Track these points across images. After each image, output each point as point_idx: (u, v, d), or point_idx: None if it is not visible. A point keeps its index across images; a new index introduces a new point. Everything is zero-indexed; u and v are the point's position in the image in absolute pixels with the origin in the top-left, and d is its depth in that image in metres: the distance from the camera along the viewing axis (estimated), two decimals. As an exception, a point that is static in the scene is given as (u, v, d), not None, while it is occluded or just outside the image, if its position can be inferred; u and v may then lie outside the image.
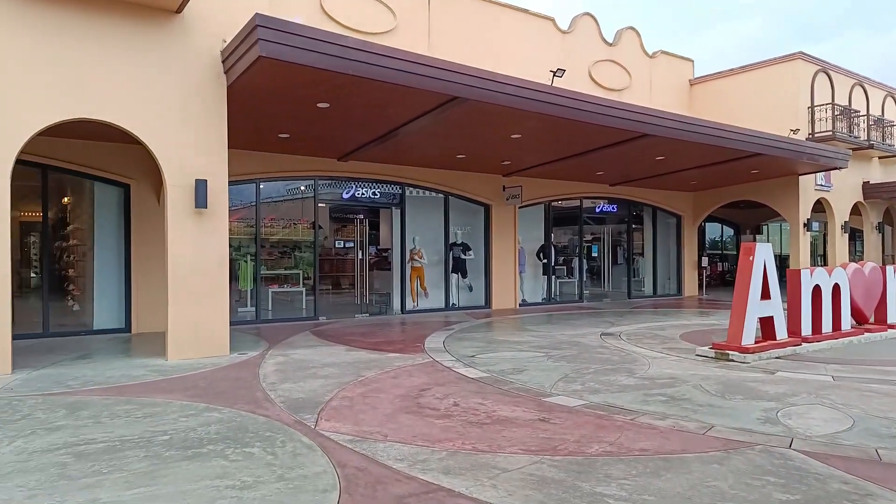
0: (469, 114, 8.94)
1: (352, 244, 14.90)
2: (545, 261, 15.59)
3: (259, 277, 11.56)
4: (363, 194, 12.84)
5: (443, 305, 13.81)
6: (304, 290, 12.61)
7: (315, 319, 11.76)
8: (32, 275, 13.72)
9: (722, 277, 22.64)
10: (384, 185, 13.03)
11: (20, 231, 11.04)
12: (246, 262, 11.68)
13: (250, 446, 4.19)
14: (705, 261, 18.77)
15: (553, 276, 15.86)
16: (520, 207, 14.61)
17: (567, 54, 14.67)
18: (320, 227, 12.78)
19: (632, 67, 16.20)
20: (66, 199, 11.82)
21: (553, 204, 15.76)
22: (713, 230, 24.34)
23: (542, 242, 15.63)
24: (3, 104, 6.55)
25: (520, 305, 14.74)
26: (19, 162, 6.72)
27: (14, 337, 6.83)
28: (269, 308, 12.08)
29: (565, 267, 16.86)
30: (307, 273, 12.57)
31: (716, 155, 12.51)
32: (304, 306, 12.40)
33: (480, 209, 14.41)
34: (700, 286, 18.63)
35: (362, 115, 8.92)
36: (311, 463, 3.89)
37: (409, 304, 13.31)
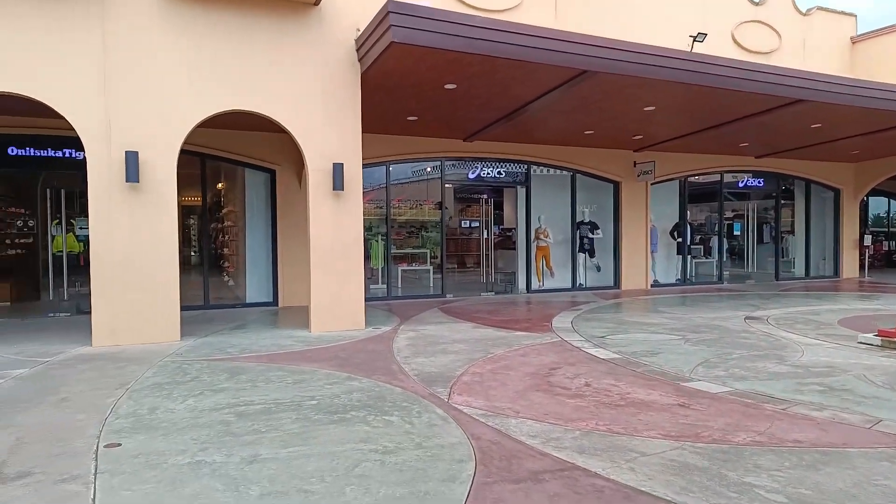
0: (599, 87, 8.61)
1: (477, 224, 15.03)
2: (679, 240, 14.76)
3: (389, 256, 12.03)
4: (488, 174, 12.87)
5: (569, 285, 13.57)
6: (431, 268, 12.95)
7: (442, 297, 12.05)
8: (192, 253, 15.34)
9: (888, 258, 20.15)
10: (509, 164, 12.97)
11: (182, 214, 12.34)
12: (377, 241, 12.20)
13: (389, 415, 4.40)
14: (868, 239, 16.79)
15: (688, 256, 14.98)
16: (652, 184, 13.92)
17: (707, 16, 13.60)
18: (446, 208, 13.01)
19: (782, 27, 14.69)
20: (220, 185, 13.02)
21: (689, 179, 14.82)
22: (878, 205, 21.68)
23: (677, 220, 14.79)
24: (170, 99, 7.30)
25: (651, 286, 14.12)
26: (182, 151, 7.47)
27: (181, 308, 7.67)
28: (399, 286, 12.55)
29: (702, 246, 15.84)
30: (434, 252, 12.88)
31: (884, 120, 11.06)
32: (431, 284, 12.74)
33: (609, 186, 13.91)
34: (861, 267, 16.72)
35: (489, 94, 8.91)
36: (446, 434, 4.00)
37: (535, 284, 13.23)
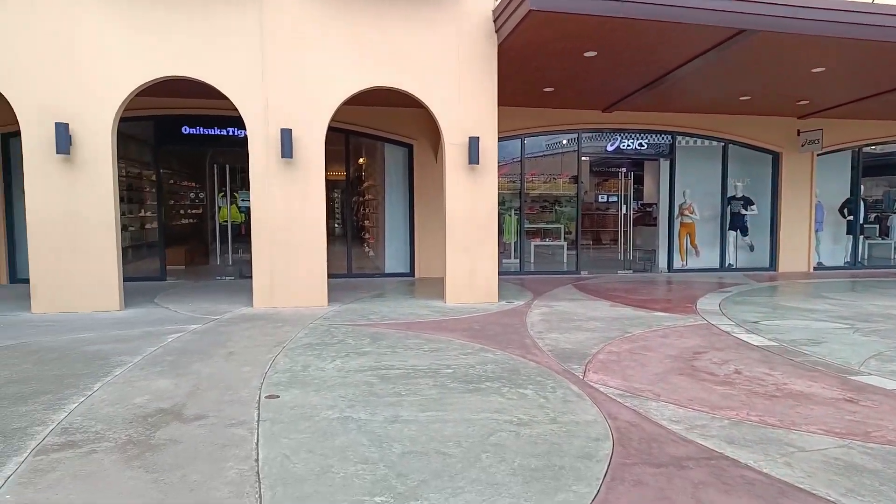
0: (759, 48, 7.82)
1: (615, 198, 14.49)
2: (850, 218, 13.18)
3: (522, 231, 11.97)
4: (628, 146, 12.28)
5: (716, 265, 12.68)
6: (565, 244, 12.72)
7: (576, 274, 11.80)
8: (336, 225, 16.31)
9: None
10: (652, 136, 12.28)
11: (328, 188, 13.13)
12: (510, 215, 12.18)
13: (523, 388, 4.41)
14: None
15: (860, 237, 13.35)
16: (818, 154, 12.51)
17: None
18: (581, 182, 12.65)
19: None
20: (362, 160, 13.64)
21: (865, 150, 13.12)
22: None
23: (847, 196, 13.20)
24: (319, 79, 7.74)
25: (814, 269, 12.79)
26: (329, 128, 7.91)
27: (327, 276, 8.20)
28: (532, 261, 12.47)
29: (878, 226, 14.03)
30: (568, 227, 12.62)
31: None
32: (564, 260, 12.52)
33: (767, 158, 12.71)
34: None
35: (631, 61, 8.44)
36: (581, 411, 3.94)
37: (677, 263, 12.51)
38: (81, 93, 7.23)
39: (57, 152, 7.12)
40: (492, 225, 8.30)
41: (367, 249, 13.24)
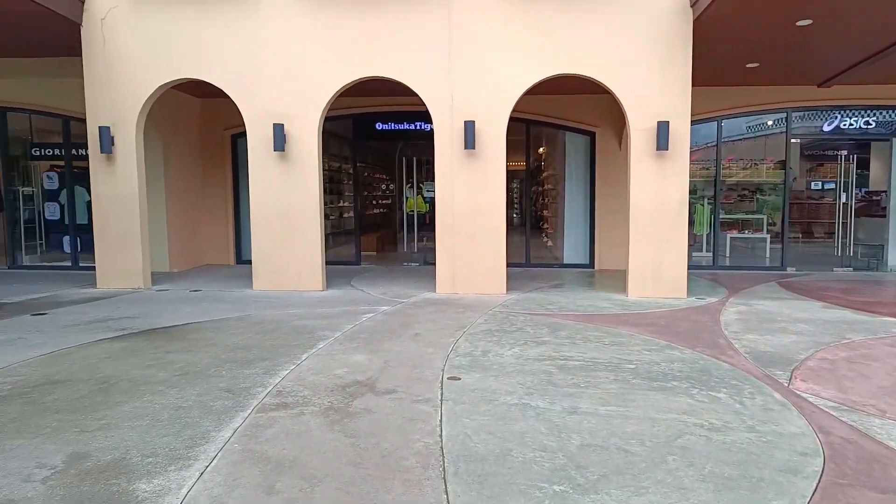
0: None
1: (831, 185, 12.70)
2: None
3: (716, 222, 11.02)
4: (850, 125, 10.67)
5: (965, 265, 10.56)
6: (767, 236, 11.47)
7: (781, 270, 10.59)
8: (514, 215, 16.44)
9: None
10: (882, 112, 10.53)
11: (507, 178, 13.26)
12: (702, 205, 11.28)
13: (715, 391, 4.08)
14: None
15: None
16: None
17: None
18: (790, 168, 11.27)
19: None
20: (542, 149, 13.57)
21: None
22: None
23: None
24: (501, 71, 7.83)
25: None
26: (510, 118, 7.98)
27: (506, 265, 8.31)
28: (727, 255, 11.45)
29: None
30: (772, 218, 11.36)
31: None
32: (767, 255, 11.30)
33: None
34: None
35: (855, 26, 7.29)
36: (784, 421, 3.54)
37: (911, 260, 10.64)
38: (294, 97, 8.12)
39: (274, 150, 8.10)
40: (681, 215, 7.77)
41: (545, 239, 13.17)
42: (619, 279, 9.11)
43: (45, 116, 10.43)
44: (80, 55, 8.31)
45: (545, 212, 13.51)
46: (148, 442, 3.24)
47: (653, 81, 7.63)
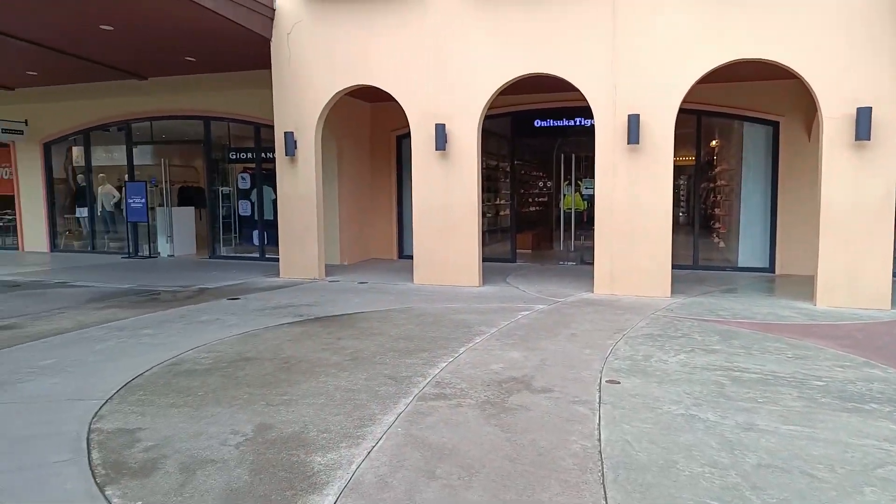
0: None
1: None
2: None
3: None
4: None
5: None
6: None
7: None
8: (680, 213, 15.43)
9: None
10: None
11: (674, 173, 12.49)
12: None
13: (929, 418, 3.50)
14: None
15: None
16: None
17: None
18: None
19: None
20: (713, 142, 12.57)
21: None
22: None
23: None
24: (669, 61, 7.37)
25: None
26: (679, 110, 7.49)
27: (671, 266, 7.83)
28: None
29: None
30: None
31: None
32: None
33: None
34: None
35: None
36: None
37: None
38: (455, 97, 8.35)
39: (436, 149, 8.40)
40: (885, 214, 6.76)
41: (716, 240, 12.19)
42: (804, 285, 8.17)
43: (240, 123, 11.81)
44: (268, 67, 9.28)
45: (717, 210, 12.50)
46: (323, 419, 3.53)
47: (853, 61, 6.72)
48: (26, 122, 13.26)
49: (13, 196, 13.94)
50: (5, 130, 12.92)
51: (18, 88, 13.04)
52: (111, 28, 8.60)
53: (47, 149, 13.57)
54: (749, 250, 10.28)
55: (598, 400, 3.83)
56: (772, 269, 9.90)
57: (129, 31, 8.84)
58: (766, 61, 7.10)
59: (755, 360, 4.72)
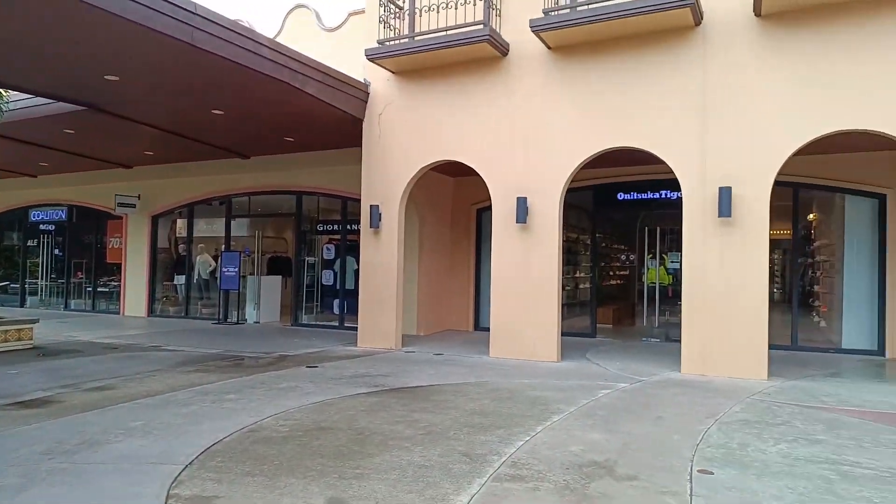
0: None
1: None
2: None
3: None
4: None
5: None
6: None
7: None
8: (776, 290, 14.50)
9: None
10: None
11: (769, 248, 11.85)
12: None
13: None
14: None
15: None
16: None
17: None
18: None
19: None
20: (811, 216, 11.92)
21: None
22: None
23: None
24: (762, 131, 7.14)
25: None
26: (774, 182, 7.18)
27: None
28: None
29: None
30: None
31: None
32: None
33: None
34: None
35: None
36: None
37: None
38: (537, 171, 8.42)
39: (516, 222, 8.43)
40: None
41: (816, 319, 11.31)
42: (923, 372, 7.37)
43: (329, 197, 12.42)
44: (358, 145, 9.80)
45: (816, 287, 11.67)
46: (395, 496, 3.44)
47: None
48: (139, 197, 14.55)
49: (120, 264, 15.14)
50: (121, 204, 14.21)
51: (135, 167, 14.42)
52: (221, 112, 9.45)
53: (154, 221, 14.76)
54: (855, 330, 9.46)
55: (689, 491, 3.53)
56: (881, 351, 9.03)
57: (238, 116, 9.69)
58: (878, 133, 6.72)
59: (868, 453, 4.22)
